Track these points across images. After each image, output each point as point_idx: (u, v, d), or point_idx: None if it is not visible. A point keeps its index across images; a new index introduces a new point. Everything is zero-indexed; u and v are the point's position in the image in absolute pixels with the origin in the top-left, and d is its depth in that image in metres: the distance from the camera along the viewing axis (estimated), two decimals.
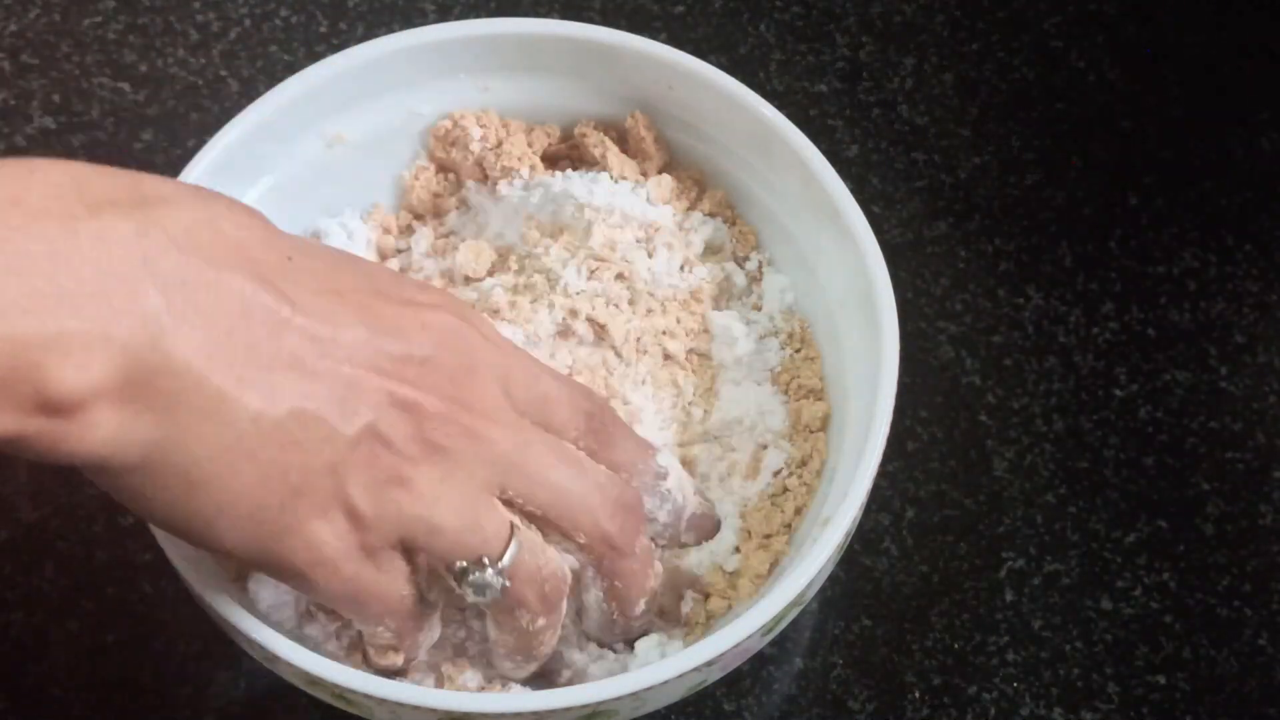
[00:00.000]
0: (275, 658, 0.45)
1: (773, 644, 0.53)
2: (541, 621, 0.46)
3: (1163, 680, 0.57)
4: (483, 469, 0.43)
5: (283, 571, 0.43)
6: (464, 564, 0.43)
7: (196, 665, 0.56)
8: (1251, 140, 0.68)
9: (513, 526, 0.44)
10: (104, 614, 0.56)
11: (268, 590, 0.48)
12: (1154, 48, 0.70)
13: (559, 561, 0.45)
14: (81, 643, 0.56)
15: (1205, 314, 0.64)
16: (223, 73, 0.68)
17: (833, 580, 0.57)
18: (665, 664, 0.45)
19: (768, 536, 0.51)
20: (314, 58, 0.56)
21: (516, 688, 0.48)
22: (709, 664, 0.45)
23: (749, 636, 0.45)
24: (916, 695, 0.56)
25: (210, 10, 0.70)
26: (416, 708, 0.44)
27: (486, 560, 0.43)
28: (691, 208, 0.57)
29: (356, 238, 0.56)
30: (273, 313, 0.39)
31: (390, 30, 0.62)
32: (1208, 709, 0.56)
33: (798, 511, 0.51)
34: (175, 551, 0.46)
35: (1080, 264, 0.65)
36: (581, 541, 0.45)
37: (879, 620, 0.57)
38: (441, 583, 0.45)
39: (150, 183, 0.39)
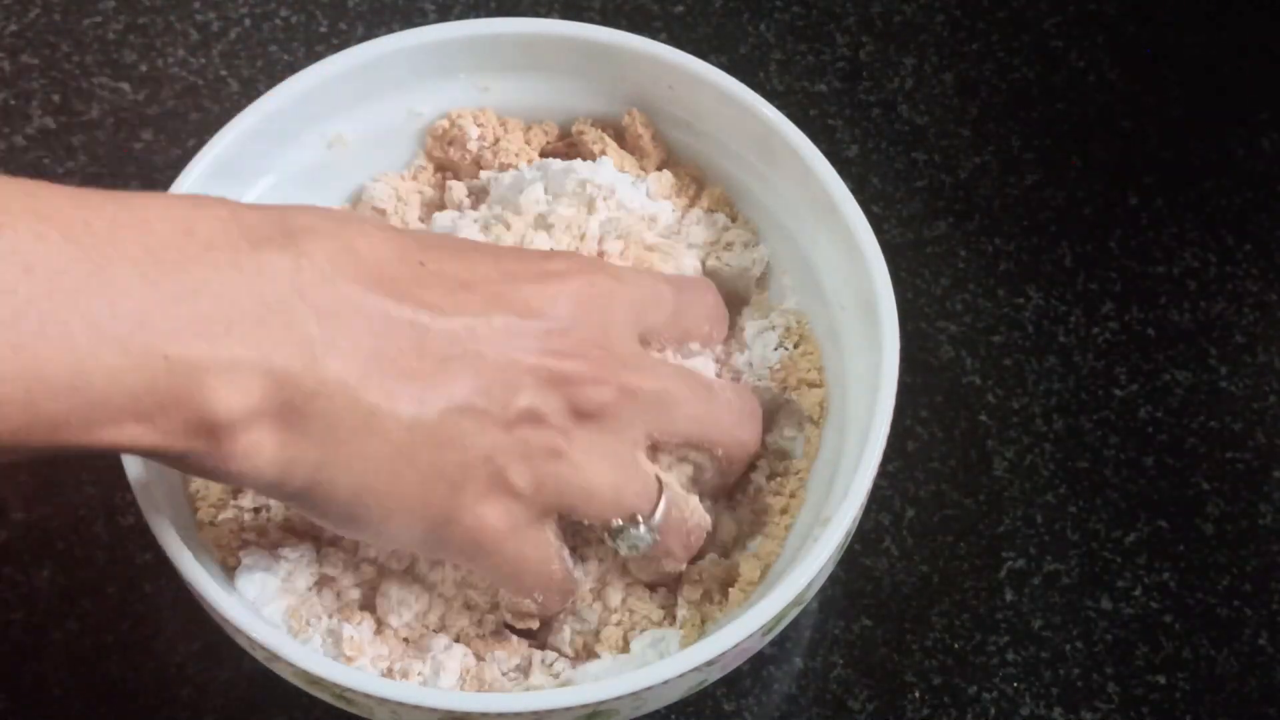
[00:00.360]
0: (276, 658, 0.45)
1: (773, 644, 0.53)
2: (683, 566, 0.49)
3: (1163, 680, 0.57)
4: (630, 426, 0.46)
5: (451, 554, 0.46)
6: (619, 523, 0.46)
7: (196, 665, 0.56)
8: (1251, 140, 0.68)
9: (660, 482, 0.47)
10: (104, 614, 0.56)
11: (254, 587, 0.48)
12: (1154, 48, 0.70)
13: (701, 512, 0.49)
14: (81, 643, 0.56)
15: (1205, 314, 0.64)
16: (223, 73, 0.68)
17: (833, 580, 0.57)
18: (665, 664, 0.45)
19: (763, 538, 0.51)
20: (314, 58, 0.56)
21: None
22: (709, 664, 0.45)
23: (749, 636, 0.45)
24: (916, 695, 0.56)
25: (210, 10, 0.70)
26: (417, 707, 0.44)
27: (640, 518, 0.46)
28: (691, 205, 0.57)
29: None
30: (413, 323, 0.42)
31: (390, 30, 0.62)
32: (1208, 709, 0.56)
33: (784, 511, 0.51)
34: (176, 551, 0.46)
35: (1080, 264, 0.65)
36: (719, 454, 0.49)
37: (879, 620, 0.58)
38: (587, 549, 0.49)
39: (294, 215, 0.42)
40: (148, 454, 0.39)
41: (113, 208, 0.38)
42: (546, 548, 0.46)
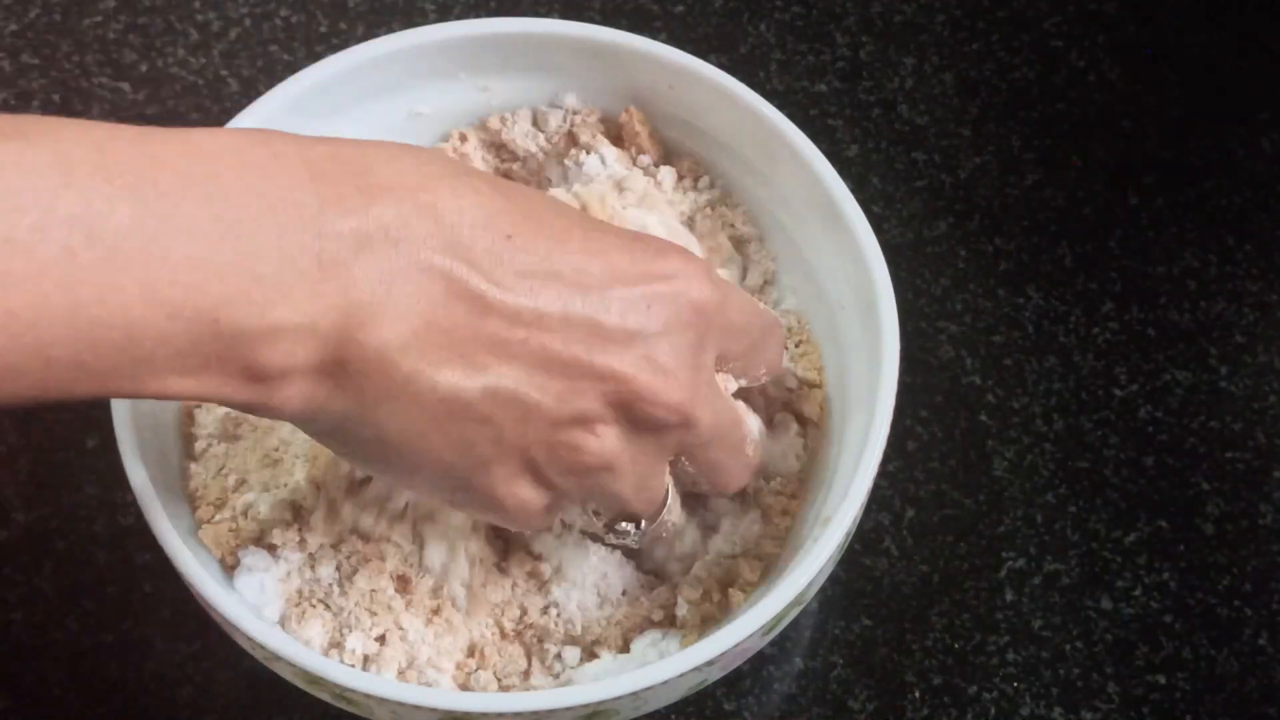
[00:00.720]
0: (276, 658, 0.45)
1: (773, 644, 0.53)
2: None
3: (1163, 680, 0.57)
4: (674, 446, 0.45)
5: (471, 511, 0.47)
6: (625, 526, 0.47)
7: (196, 665, 0.56)
8: (1251, 140, 0.68)
9: (668, 492, 0.47)
10: (104, 614, 0.56)
11: (253, 587, 0.48)
12: (1154, 48, 0.70)
13: (682, 516, 0.49)
14: (81, 643, 0.56)
15: (1205, 314, 0.64)
16: (223, 73, 0.68)
17: (833, 580, 0.57)
18: (665, 664, 0.45)
19: (761, 539, 0.51)
20: (314, 58, 0.56)
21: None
22: (709, 664, 0.45)
23: (749, 636, 0.45)
24: (916, 695, 0.56)
25: (210, 10, 0.70)
26: (417, 707, 0.44)
27: (643, 522, 0.47)
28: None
29: None
30: (476, 297, 0.41)
31: (390, 30, 0.62)
32: (1208, 709, 0.56)
33: (784, 511, 0.51)
34: (176, 551, 0.46)
35: (1080, 264, 0.65)
36: (710, 490, 0.49)
37: (879, 620, 0.57)
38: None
39: (379, 169, 0.41)
40: (187, 398, 0.40)
41: (185, 163, 0.38)
42: (556, 517, 0.47)
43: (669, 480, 0.47)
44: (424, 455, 0.42)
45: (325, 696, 0.46)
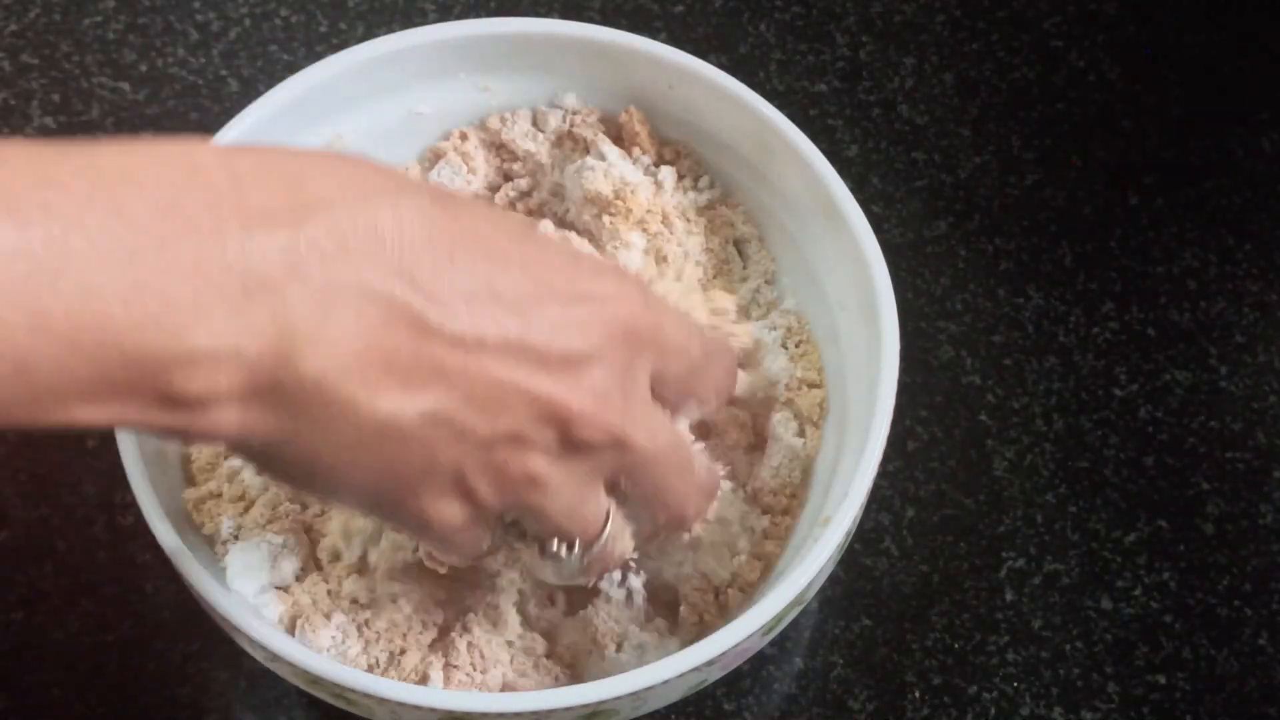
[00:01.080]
0: (276, 658, 0.45)
1: (773, 644, 0.53)
2: (592, 583, 0.49)
3: (1163, 680, 0.57)
4: (609, 467, 0.44)
5: (396, 527, 0.47)
6: (556, 547, 0.45)
7: (196, 665, 0.56)
8: (1251, 140, 0.68)
9: (608, 515, 0.45)
10: (104, 614, 0.56)
11: (250, 587, 0.48)
12: (1154, 48, 0.70)
13: (628, 545, 0.47)
14: (81, 643, 0.56)
15: (1205, 314, 0.64)
16: (223, 73, 0.68)
17: (833, 580, 0.57)
18: (665, 664, 0.45)
19: (763, 538, 0.51)
20: (314, 58, 0.56)
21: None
22: (709, 664, 0.45)
23: (749, 636, 0.45)
24: (916, 695, 0.56)
25: (210, 10, 0.70)
26: (417, 707, 0.44)
27: (577, 545, 0.45)
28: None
29: None
30: (417, 320, 0.39)
31: (390, 30, 0.62)
32: (1208, 709, 0.56)
33: (784, 511, 0.51)
34: (176, 551, 0.46)
35: (1080, 264, 0.65)
36: (661, 521, 0.48)
37: (879, 620, 0.57)
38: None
39: (315, 184, 0.39)
40: (103, 426, 0.38)
41: (83, 183, 0.36)
42: (485, 534, 0.45)
43: (609, 505, 0.45)
44: (353, 476, 0.41)
45: (325, 696, 0.46)
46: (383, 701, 0.45)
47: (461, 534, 0.44)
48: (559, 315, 0.42)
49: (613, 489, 0.45)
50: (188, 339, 0.36)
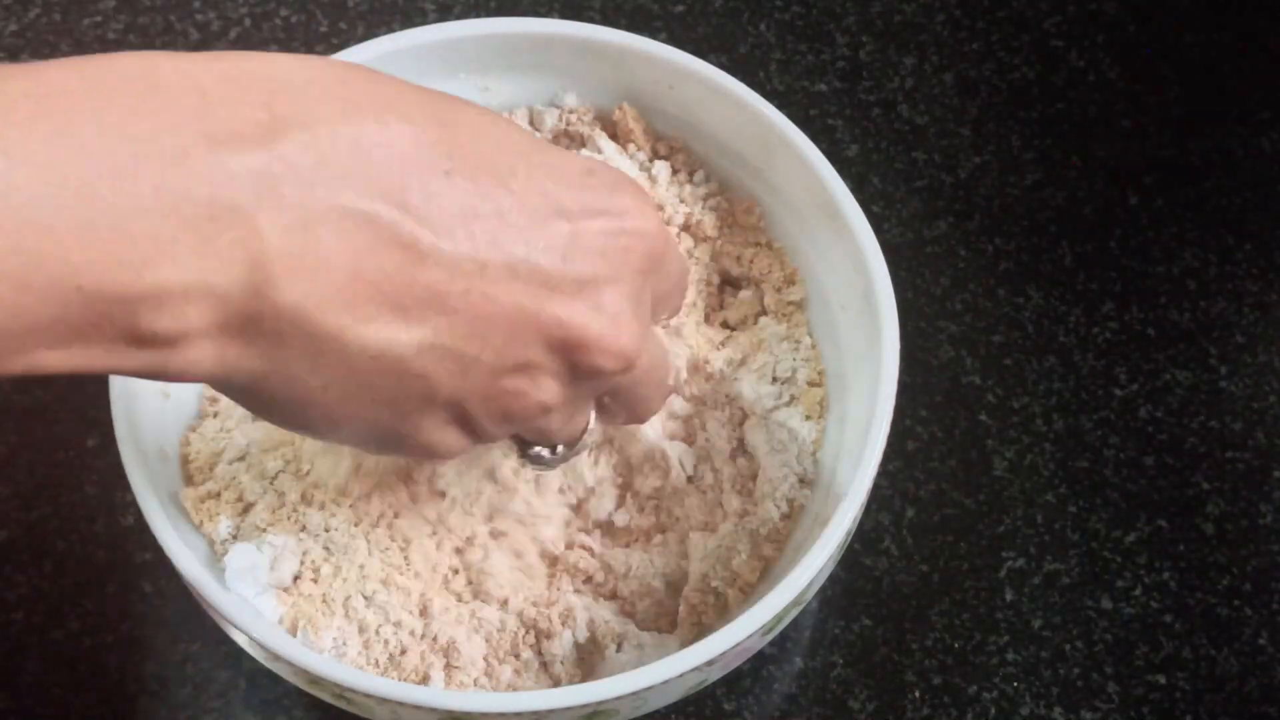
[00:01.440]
0: (276, 657, 0.45)
1: (773, 644, 0.53)
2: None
3: (1163, 680, 0.57)
4: (605, 389, 0.43)
5: (389, 453, 0.44)
6: (537, 450, 0.45)
7: (196, 665, 0.56)
8: (1251, 140, 0.68)
9: (588, 423, 0.45)
10: (104, 614, 0.56)
11: (250, 588, 0.48)
12: (1154, 48, 0.70)
13: (599, 436, 0.48)
14: (81, 642, 0.56)
15: (1205, 314, 0.64)
16: None
17: (833, 580, 0.57)
18: (665, 664, 0.45)
19: (762, 542, 0.51)
20: None
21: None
22: (709, 664, 0.45)
23: (749, 636, 0.45)
24: (916, 695, 0.56)
25: (210, 10, 0.70)
26: (417, 707, 0.44)
27: (561, 448, 0.45)
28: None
29: None
30: (409, 244, 0.36)
31: (390, 30, 0.62)
32: (1208, 709, 0.56)
33: (788, 516, 0.51)
34: (177, 550, 0.46)
35: (1080, 264, 0.65)
36: (635, 421, 0.48)
37: (879, 620, 0.57)
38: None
39: (291, 96, 0.36)
40: (70, 371, 0.35)
41: (28, 107, 0.33)
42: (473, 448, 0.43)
43: (591, 411, 0.45)
44: (350, 412, 0.38)
45: (325, 696, 0.46)
46: (383, 701, 0.45)
47: (456, 454, 0.42)
48: (570, 234, 0.39)
49: (597, 399, 0.44)
50: (150, 275, 0.34)
